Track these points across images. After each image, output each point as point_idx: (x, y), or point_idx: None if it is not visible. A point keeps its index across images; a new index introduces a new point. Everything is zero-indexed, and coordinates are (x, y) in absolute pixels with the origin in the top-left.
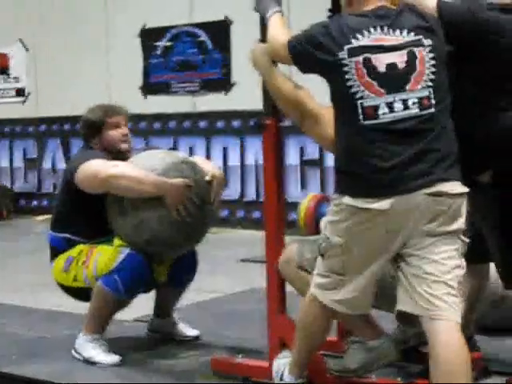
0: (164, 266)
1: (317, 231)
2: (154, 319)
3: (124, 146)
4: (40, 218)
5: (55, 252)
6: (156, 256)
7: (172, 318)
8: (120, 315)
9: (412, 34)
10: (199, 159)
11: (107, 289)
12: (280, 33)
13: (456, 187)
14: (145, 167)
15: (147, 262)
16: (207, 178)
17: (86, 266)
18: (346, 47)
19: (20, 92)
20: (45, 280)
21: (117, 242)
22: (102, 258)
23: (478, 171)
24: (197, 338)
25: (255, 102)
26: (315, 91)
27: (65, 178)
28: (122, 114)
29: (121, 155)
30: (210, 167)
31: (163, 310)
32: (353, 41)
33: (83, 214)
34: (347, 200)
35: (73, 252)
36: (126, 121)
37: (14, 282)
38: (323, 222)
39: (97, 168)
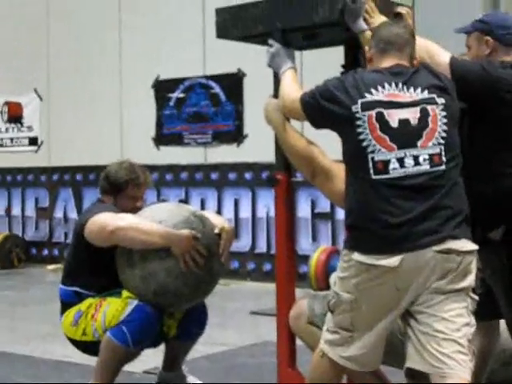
0: (174, 319)
1: (328, 284)
2: (163, 372)
3: (134, 211)
4: (51, 267)
5: (65, 306)
6: (165, 308)
7: (181, 371)
8: (129, 367)
9: (426, 92)
10: (209, 213)
11: (115, 340)
12: (293, 89)
13: (466, 244)
14: (153, 219)
15: (156, 313)
16: (216, 230)
17: (94, 319)
18: (360, 101)
19: (33, 141)
20: (54, 330)
21: (125, 293)
22: (111, 309)
23: (489, 228)
24: None
25: (267, 155)
26: (327, 147)
27: (75, 231)
28: (144, 187)
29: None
30: (220, 220)
31: (172, 363)
32: (367, 95)
33: (93, 267)
34: (357, 256)
35: (82, 306)
36: (144, 191)
37: (23, 332)
38: (332, 278)
39: (105, 221)
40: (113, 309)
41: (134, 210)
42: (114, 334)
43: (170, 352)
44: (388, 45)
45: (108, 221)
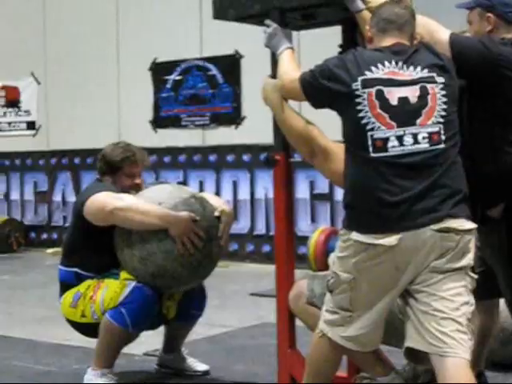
0: (173, 301)
1: (327, 265)
2: (163, 354)
3: (133, 191)
4: (50, 250)
5: (64, 287)
6: (163, 290)
7: (181, 353)
8: (130, 349)
9: (425, 70)
10: (209, 195)
11: (114, 322)
12: (291, 69)
13: (464, 223)
14: (152, 201)
15: (155, 295)
16: (216, 213)
17: (93, 300)
18: (360, 78)
19: (31, 125)
20: (54, 313)
21: (123, 275)
22: (109, 291)
23: (489, 206)
24: (206, 372)
25: (265, 136)
26: (325, 127)
27: (74, 210)
28: (141, 165)
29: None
30: (220, 203)
31: (172, 345)
32: (367, 73)
33: (92, 248)
34: (355, 236)
35: (81, 287)
36: (142, 169)
37: (23, 316)
38: (331, 258)
39: (104, 200)
40: (111, 291)
41: (134, 187)
42: (113, 316)
43: (170, 334)
44: (389, 24)
45: (107, 201)
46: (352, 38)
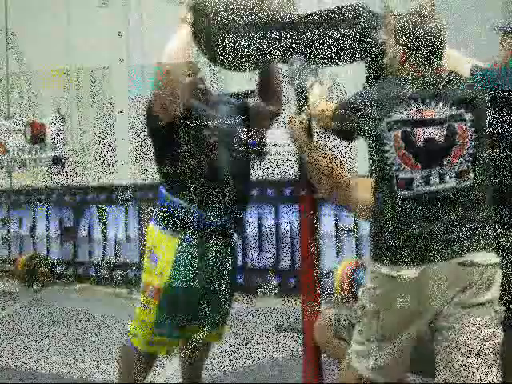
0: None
1: (352, 297)
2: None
3: None
4: (76, 286)
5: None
6: None
7: None
8: None
9: (454, 108)
10: None
11: (128, 344)
12: (324, 107)
13: (487, 257)
14: None
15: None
16: None
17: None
18: (386, 120)
19: (56, 160)
20: (78, 349)
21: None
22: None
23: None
24: None
25: (290, 171)
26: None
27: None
28: None
29: None
30: None
31: (188, 373)
32: (392, 114)
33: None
34: (379, 267)
35: (162, 256)
36: None
37: (50, 351)
38: (360, 289)
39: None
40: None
41: None
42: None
43: (185, 360)
44: (419, 48)
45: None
46: (377, 71)
